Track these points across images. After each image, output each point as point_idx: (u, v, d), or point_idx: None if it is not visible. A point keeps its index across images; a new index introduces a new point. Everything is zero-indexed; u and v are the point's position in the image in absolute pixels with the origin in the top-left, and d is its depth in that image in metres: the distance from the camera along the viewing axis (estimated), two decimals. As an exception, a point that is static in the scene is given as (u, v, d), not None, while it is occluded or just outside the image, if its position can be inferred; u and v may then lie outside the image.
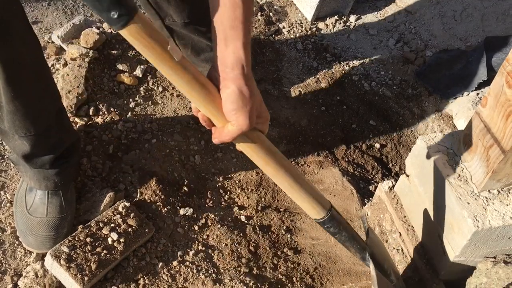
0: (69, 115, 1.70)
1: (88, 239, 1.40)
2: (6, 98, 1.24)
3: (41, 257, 1.43)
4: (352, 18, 2.43)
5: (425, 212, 1.53)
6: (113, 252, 1.40)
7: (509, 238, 1.39)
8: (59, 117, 1.42)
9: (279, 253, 1.62)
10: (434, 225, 1.50)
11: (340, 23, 2.40)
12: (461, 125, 2.05)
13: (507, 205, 1.37)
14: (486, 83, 2.08)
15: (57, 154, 1.42)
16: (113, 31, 1.94)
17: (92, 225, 1.44)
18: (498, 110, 1.26)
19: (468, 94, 2.13)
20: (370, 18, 2.45)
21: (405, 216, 1.65)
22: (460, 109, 2.10)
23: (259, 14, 2.32)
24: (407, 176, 1.62)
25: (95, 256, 1.37)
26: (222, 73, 0.94)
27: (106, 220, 1.46)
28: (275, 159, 1.06)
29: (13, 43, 1.17)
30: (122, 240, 1.42)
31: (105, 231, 1.43)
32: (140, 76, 1.90)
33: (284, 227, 1.69)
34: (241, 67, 0.93)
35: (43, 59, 1.35)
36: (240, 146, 1.03)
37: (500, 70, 1.23)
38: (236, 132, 0.96)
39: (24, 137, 1.33)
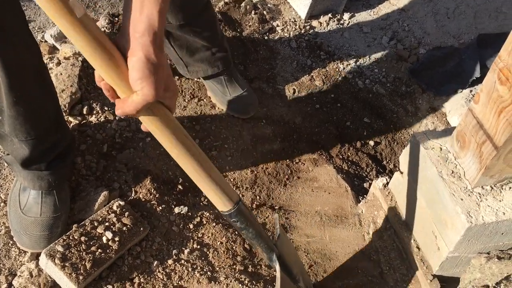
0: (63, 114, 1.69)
1: (82, 238, 1.39)
2: (8, 103, 1.23)
3: (36, 257, 1.43)
4: (346, 16, 2.43)
5: (419, 208, 1.54)
6: (107, 251, 1.40)
7: (502, 233, 1.40)
8: (57, 119, 1.43)
9: (274, 250, 1.62)
10: (428, 222, 1.51)
11: (334, 21, 2.41)
12: (454, 122, 2.06)
13: (500, 201, 1.37)
14: (479, 80, 2.10)
15: (53, 156, 1.41)
16: (106, 30, 1.94)
17: (86, 224, 1.43)
18: (490, 106, 1.27)
19: (461, 91, 2.14)
20: (363, 16, 2.46)
21: (399, 213, 1.66)
22: (454, 106, 2.11)
23: (252, 12, 2.32)
24: (401, 173, 1.63)
25: (89, 255, 1.37)
26: (132, 38, 0.88)
27: (100, 219, 1.45)
28: (181, 140, 0.99)
29: (16, 47, 1.17)
30: (116, 239, 1.42)
31: (99, 230, 1.42)
32: (134, 75, 1.89)
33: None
34: (153, 34, 0.88)
35: (43, 63, 1.35)
36: (144, 122, 0.96)
37: (492, 67, 1.24)
38: (141, 102, 0.90)
39: (24, 141, 1.32)
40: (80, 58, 1.81)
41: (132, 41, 0.88)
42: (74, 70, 1.77)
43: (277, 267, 1.23)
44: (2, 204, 1.52)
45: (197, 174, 1.05)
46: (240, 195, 1.74)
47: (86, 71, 1.81)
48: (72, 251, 1.37)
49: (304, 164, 1.89)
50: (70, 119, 1.71)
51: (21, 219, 1.43)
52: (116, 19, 2.03)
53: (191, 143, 1.02)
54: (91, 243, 1.40)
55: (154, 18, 0.87)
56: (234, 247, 1.58)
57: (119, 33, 0.91)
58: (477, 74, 2.10)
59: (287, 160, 1.88)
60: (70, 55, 1.80)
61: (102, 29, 1.93)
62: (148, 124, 0.96)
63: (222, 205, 1.11)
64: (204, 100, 1.96)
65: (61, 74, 1.75)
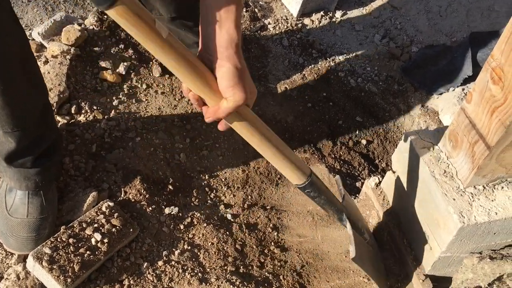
0: (51, 113, 1.67)
1: (70, 240, 1.37)
2: None
3: (23, 259, 1.41)
4: (338, 13, 2.42)
5: (411, 208, 1.53)
6: (96, 252, 1.38)
7: (494, 233, 1.39)
8: (45, 113, 1.40)
9: (265, 251, 1.61)
10: (420, 221, 1.50)
11: (326, 18, 2.39)
12: (447, 120, 2.05)
13: (492, 200, 1.37)
14: (472, 78, 2.09)
15: (39, 151, 1.38)
16: (95, 28, 1.91)
17: (75, 225, 1.41)
18: (483, 106, 1.26)
19: (454, 90, 2.13)
20: (355, 13, 2.45)
21: (391, 213, 1.65)
22: (446, 105, 2.10)
23: (244, 10, 2.29)
24: (393, 172, 1.62)
25: (78, 257, 1.35)
26: (217, 53, 0.98)
27: (89, 220, 1.43)
28: (260, 130, 1.11)
29: (0, 35, 1.14)
30: (106, 240, 1.40)
31: (88, 231, 1.40)
32: (124, 73, 1.87)
33: (271, 225, 1.68)
34: (235, 46, 0.98)
35: (31, 53, 1.32)
36: (230, 121, 1.07)
37: (485, 66, 1.23)
38: (232, 107, 1.00)
39: (10, 133, 1.29)
40: (68, 57, 1.78)
41: (218, 54, 0.98)
42: (62, 68, 1.74)
43: (348, 225, 1.36)
44: (-12, 205, 1.49)
45: (275, 157, 1.16)
46: (232, 195, 1.72)
47: (74, 70, 1.78)
48: (60, 253, 1.34)
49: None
50: (58, 118, 1.68)
51: (7, 220, 1.41)
52: (105, 16, 2.00)
53: (269, 132, 1.13)
54: (80, 245, 1.37)
55: (233, 32, 0.97)
56: (225, 248, 1.56)
57: (203, 49, 1.01)
58: (469, 72, 2.09)
59: (279, 160, 1.86)
60: (58, 53, 1.77)
61: (91, 27, 1.90)
62: (234, 123, 1.07)
63: (297, 179, 1.22)
64: (195, 98, 1.93)
65: (48, 72, 1.72)
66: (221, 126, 1.10)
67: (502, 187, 1.40)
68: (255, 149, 1.16)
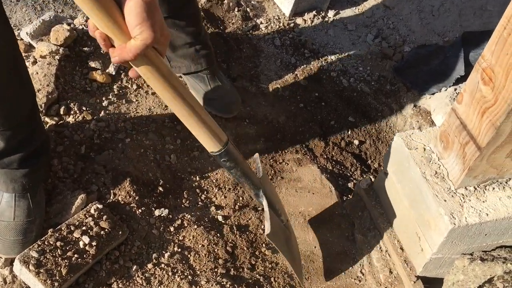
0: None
1: (58, 243, 1.35)
2: None
3: (10, 263, 1.39)
4: (330, 13, 2.41)
5: (403, 209, 1.52)
6: (84, 256, 1.36)
7: (485, 235, 1.38)
8: (33, 113, 1.38)
9: (257, 253, 1.60)
10: (411, 222, 1.49)
11: (318, 18, 2.38)
12: (439, 120, 2.05)
13: (483, 202, 1.36)
14: (464, 78, 2.08)
15: (26, 152, 1.37)
16: (84, 27, 1.89)
17: (62, 228, 1.39)
18: (473, 107, 1.25)
19: (446, 90, 2.12)
20: (348, 13, 2.44)
21: (383, 213, 1.64)
22: (438, 105, 2.09)
23: (236, 9, 2.28)
24: (385, 173, 1.61)
25: (65, 260, 1.33)
26: None
27: (77, 223, 1.41)
28: (173, 84, 1.02)
29: None
30: (94, 243, 1.38)
31: (76, 234, 1.38)
32: (114, 73, 1.85)
33: (262, 226, 1.66)
34: None
35: (20, 53, 1.30)
36: (138, 67, 0.98)
37: (476, 66, 1.22)
38: (140, 47, 0.92)
39: None
40: (57, 57, 1.76)
41: None
42: (51, 69, 1.72)
43: (264, 202, 1.32)
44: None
45: (190, 118, 1.09)
46: (223, 197, 1.71)
47: (63, 70, 1.76)
48: (47, 257, 1.33)
49: (288, 164, 1.86)
50: (47, 119, 1.66)
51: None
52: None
53: (182, 87, 1.05)
54: (67, 248, 1.36)
55: None
56: (215, 250, 1.55)
57: None
58: (461, 72, 2.09)
59: (271, 160, 1.85)
60: (46, 53, 1.75)
61: (80, 27, 1.88)
62: (141, 69, 0.98)
63: (213, 146, 1.16)
64: (186, 99, 1.92)
65: (37, 73, 1.70)
66: (131, 73, 1.01)
67: (493, 188, 1.39)
68: (169, 106, 1.08)
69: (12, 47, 1.25)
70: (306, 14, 2.37)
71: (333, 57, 2.24)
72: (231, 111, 1.90)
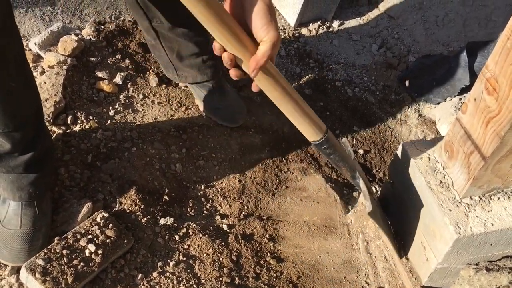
0: (47, 123, 1.66)
1: (64, 251, 1.36)
2: None
3: (16, 271, 1.40)
4: (335, 23, 2.43)
5: (408, 218, 1.52)
6: (90, 264, 1.37)
7: (491, 244, 1.38)
8: (38, 116, 1.40)
9: (261, 262, 1.60)
10: (416, 232, 1.49)
11: (323, 28, 2.40)
12: (444, 130, 2.05)
13: (488, 211, 1.36)
14: (469, 88, 2.09)
15: (32, 156, 1.37)
16: (92, 38, 1.91)
17: (69, 236, 1.40)
18: (478, 116, 1.25)
19: (451, 99, 2.13)
20: (353, 23, 2.45)
21: (388, 223, 1.64)
22: (443, 114, 2.10)
23: (241, 20, 2.30)
24: (390, 182, 1.62)
25: (71, 268, 1.34)
26: None
27: (83, 231, 1.42)
28: (283, 84, 1.13)
29: (2, 35, 1.15)
30: (100, 251, 1.39)
31: (82, 242, 1.39)
32: (120, 83, 1.87)
33: (267, 235, 1.67)
34: None
35: (24, 54, 1.32)
36: (259, 77, 1.09)
37: (479, 76, 1.23)
38: (270, 47, 1.02)
39: (1, 134, 1.29)
40: (64, 67, 1.78)
41: None
42: (59, 79, 1.74)
43: (361, 182, 1.41)
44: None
45: (295, 112, 1.19)
46: (228, 205, 1.71)
47: (70, 80, 1.79)
48: (54, 265, 1.33)
49: (292, 173, 1.87)
50: (54, 128, 1.68)
51: (0, 232, 1.40)
52: (102, 27, 2.01)
53: (290, 86, 1.16)
54: (73, 256, 1.37)
55: None
56: (220, 259, 1.55)
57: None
58: (466, 82, 2.09)
59: (276, 169, 1.86)
60: (54, 63, 1.77)
61: (88, 37, 1.91)
62: (262, 78, 1.09)
63: (315, 135, 1.25)
64: (192, 109, 1.94)
65: (45, 83, 1.72)
66: (254, 88, 1.12)
67: (499, 198, 1.39)
68: (276, 103, 1.17)
69: (20, 47, 1.27)
70: (311, 24, 2.39)
71: (338, 67, 2.25)
72: (237, 120, 1.91)
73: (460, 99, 2.11)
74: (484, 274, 1.33)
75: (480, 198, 1.38)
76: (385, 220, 1.57)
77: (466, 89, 2.11)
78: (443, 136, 1.45)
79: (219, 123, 1.90)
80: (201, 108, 1.92)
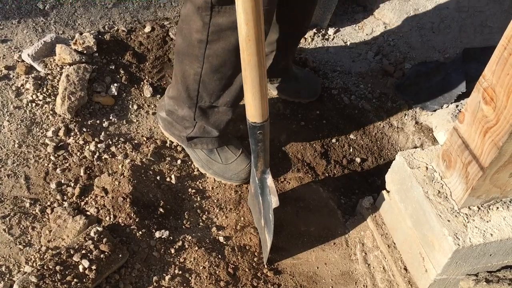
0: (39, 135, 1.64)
1: (57, 267, 1.34)
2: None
3: (9, 286, 1.37)
4: (331, 31, 2.42)
5: (406, 229, 1.50)
6: (84, 280, 1.34)
7: (490, 255, 1.36)
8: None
9: (259, 274, 1.58)
10: (415, 243, 1.47)
11: (319, 36, 2.38)
12: (441, 137, 2.04)
13: (487, 221, 1.34)
14: (465, 94, 2.08)
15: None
16: (86, 49, 1.89)
17: (62, 252, 1.38)
18: (475, 126, 1.24)
19: (448, 106, 2.11)
20: (348, 30, 2.44)
21: (387, 233, 1.62)
22: (440, 122, 2.08)
23: (236, 28, 2.29)
24: (388, 192, 1.60)
25: (65, 285, 1.31)
26: None
27: (77, 246, 1.40)
28: (263, 55, 1.20)
29: None
30: (93, 267, 1.36)
31: (75, 258, 1.37)
32: (115, 94, 1.85)
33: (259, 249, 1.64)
34: None
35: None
36: None
37: (476, 86, 1.22)
38: None
39: (230, 107, 1.63)
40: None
41: None
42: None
43: (270, 178, 1.50)
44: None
45: (258, 86, 1.25)
46: (224, 217, 1.69)
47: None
48: (47, 282, 1.31)
49: (289, 183, 1.85)
50: (47, 141, 1.66)
51: (225, 167, 1.74)
52: (97, 37, 1.99)
53: (264, 57, 1.23)
54: (67, 272, 1.34)
55: None
56: (217, 272, 1.53)
57: None
58: (463, 89, 2.08)
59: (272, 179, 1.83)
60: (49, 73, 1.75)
61: (89, 49, 1.88)
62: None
63: (259, 117, 1.32)
64: (187, 119, 1.92)
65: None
66: None
67: (497, 208, 1.37)
68: (248, 69, 1.21)
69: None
70: (306, 32, 2.37)
71: (333, 75, 2.24)
72: (317, 92, 2.11)
73: (457, 106, 2.10)
74: (484, 285, 1.31)
75: (479, 208, 1.37)
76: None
77: (462, 96, 2.09)
78: (441, 145, 1.43)
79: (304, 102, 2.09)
80: (282, 96, 2.08)
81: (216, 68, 1.51)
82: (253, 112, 1.32)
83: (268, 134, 1.40)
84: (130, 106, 1.86)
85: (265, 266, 1.59)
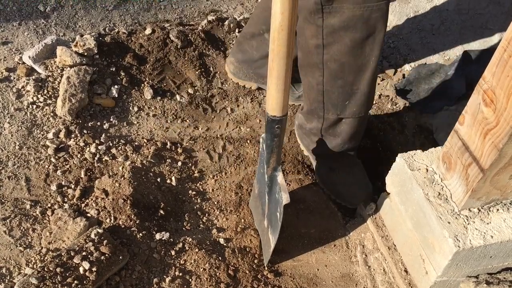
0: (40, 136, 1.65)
1: (58, 269, 1.34)
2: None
3: (10, 288, 1.37)
4: (331, 33, 2.42)
5: (406, 231, 1.50)
6: (84, 282, 1.34)
7: (491, 257, 1.36)
8: None
9: (259, 276, 1.58)
10: (415, 245, 1.47)
11: (319, 38, 2.39)
12: (441, 139, 2.04)
13: (487, 223, 1.34)
14: (465, 96, 2.07)
15: None
16: (87, 52, 1.90)
17: (62, 254, 1.38)
18: (475, 128, 1.24)
19: (448, 109, 2.12)
20: (348, 33, 2.44)
21: (387, 235, 1.62)
22: (440, 124, 2.08)
23: (236, 30, 2.29)
24: (388, 194, 1.60)
25: (65, 287, 1.32)
26: None
27: (77, 248, 1.40)
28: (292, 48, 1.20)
29: None
30: (94, 269, 1.37)
31: (76, 260, 1.37)
32: (116, 96, 1.85)
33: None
34: None
35: None
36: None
37: (477, 88, 1.22)
38: None
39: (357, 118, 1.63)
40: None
41: None
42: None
43: (281, 175, 1.46)
44: None
45: (284, 79, 1.23)
46: (224, 219, 1.69)
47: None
48: (47, 283, 1.31)
49: (289, 185, 1.85)
50: (47, 143, 1.66)
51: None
52: (105, 38, 1.99)
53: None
54: (67, 274, 1.34)
55: None
56: (217, 274, 1.53)
57: None
58: (463, 91, 2.09)
59: (272, 181, 1.84)
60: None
61: (89, 51, 1.88)
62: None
63: (279, 111, 1.31)
64: (187, 120, 1.92)
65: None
66: None
67: (497, 210, 1.37)
68: (271, 59, 1.21)
69: None
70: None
71: (334, 77, 2.24)
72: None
73: (457, 108, 2.10)
74: (484, 287, 1.31)
75: (479, 210, 1.37)
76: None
77: (462, 98, 2.10)
78: (441, 147, 1.43)
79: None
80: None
81: (335, 74, 1.50)
82: (274, 106, 1.31)
83: (285, 129, 1.39)
84: (130, 108, 1.87)
85: (265, 268, 1.59)
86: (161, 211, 1.63)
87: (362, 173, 1.79)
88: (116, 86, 1.87)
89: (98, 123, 1.78)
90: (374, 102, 2.18)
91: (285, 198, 1.41)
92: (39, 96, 1.76)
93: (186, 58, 2.07)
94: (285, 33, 1.16)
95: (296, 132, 1.85)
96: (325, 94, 1.56)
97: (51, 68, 1.83)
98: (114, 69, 1.92)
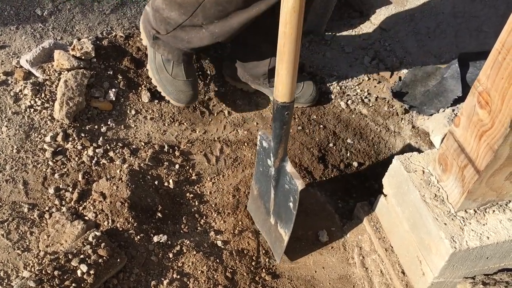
0: (38, 140, 1.65)
1: (56, 272, 1.34)
2: None
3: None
4: (328, 36, 2.43)
5: (403, 232, 1.51)
6: (82, 285, 1.34)
7: (487, 258, 1.37)
8: None
9: (257, 278, 1.58)
10: (412, 246, 1.48)
11: (316, 41, 2.40)
12: (437, 141, 2.05)
13: (484, 224, 1.35)
14: (461, 99, 2.09)
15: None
16: (84, 55, 1.90)
17: (60, 257, 1.38)
18: (471, 130, 1.25)
19: (444, 111, 2.13)
20: (345, 36, 2.46)
21: (384, 237, 1.63)
22: (436, 126, 2.09)
23: (233, 33, 2.30)
24: (385, 195, 1.61)
25: (63, 290, 1.32)
26: None
27: (75, 251, 1.40)
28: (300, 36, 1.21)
29: None
30: (92, 272, 1.37)
31: (74, 263, 1.37)
32: (113, 99, 1.86)
33: (263, 251, 1.65)
34: None
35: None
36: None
37: (472, 90, 1.23)
38: None
39: (214, 38, 1.72)
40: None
41: None
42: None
43: (289, 164, 1.46)
44: None
45: (295, 64, 1.23)
46: (222, 221, 1.70)
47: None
48: (45, 286, 1.31)
49: (287, 187, 1.86)
50: (45, 146, 1.66)
51: (172, 81, 1.85)
52: (103, 42, 2.00)
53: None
54: (65, 277, 1.34)
55: None
56: (215, 276, 1.53)
57: None
58: (459, 93, 2.10)
59: (270, 184, 1.84)
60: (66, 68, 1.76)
61: (87, 55, 1.88)
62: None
63: (289, 96, 1.31)
64: (185, 123, 1.93)
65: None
66: None
67: (493, 211, 1.38)
68: (281, 43, 1.20)
69: None
70: (303, 37, 2.38)
71: (330, 79, 2.25)
72: None
73: (453, 110, 2.11)
74: (481, 288, 1.32)
75: (475, 211, 1.38)
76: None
77: (458, 100, 2.11)
78: (437, 149, 1.44)
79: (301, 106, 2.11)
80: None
81: (221, 1, 1.59)
82: (284, 91, 1.29)
83: (291, 118, 1.39)
84: (128, 111, 1.87)
85: (277, 265, 1.61)
86: (159, 214, 1.63)
87: (193, 77, 1.96)
88: (113, 90, 1.87)
89: (96, 127, 1.78)
90: (370, 105, 2.19)
91: (299, 184, 1.40)
92: (36, 99, 1.76)
93: (183, 61, 2.07)
94: (297, 15, 1.15)
95: (144, 13, 1.89)
96: (201, 7, 1.64)
97: (48, 72, 1.83)
98: (111, 72, 1.93)
